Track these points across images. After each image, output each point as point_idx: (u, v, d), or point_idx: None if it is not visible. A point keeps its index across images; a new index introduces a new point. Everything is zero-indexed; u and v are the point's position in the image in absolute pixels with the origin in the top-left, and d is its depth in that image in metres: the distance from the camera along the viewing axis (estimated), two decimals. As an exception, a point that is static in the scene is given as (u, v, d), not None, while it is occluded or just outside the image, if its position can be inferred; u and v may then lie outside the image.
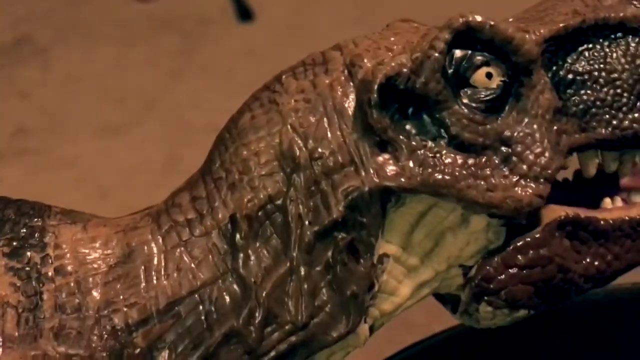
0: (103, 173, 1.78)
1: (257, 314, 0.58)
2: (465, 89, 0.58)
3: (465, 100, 0.58)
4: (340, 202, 0.58)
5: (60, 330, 0.58)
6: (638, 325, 0.73)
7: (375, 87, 0.57)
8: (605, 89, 0.60)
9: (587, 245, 0.60)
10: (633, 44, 0.60)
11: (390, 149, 0.58)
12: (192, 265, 0.59)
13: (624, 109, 0.59)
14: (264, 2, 2.30)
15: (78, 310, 0.58)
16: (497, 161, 0.58)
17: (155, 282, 0.59)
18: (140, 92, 2.04)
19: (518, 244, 0.59)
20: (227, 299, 0.59)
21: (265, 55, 2.08)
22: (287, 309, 0.58)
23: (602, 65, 0.60)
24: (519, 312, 0.60)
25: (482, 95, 0.58)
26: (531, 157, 0.58)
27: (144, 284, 0.59)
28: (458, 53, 0.58)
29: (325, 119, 0.59)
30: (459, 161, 0.58)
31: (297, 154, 0.58)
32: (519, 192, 0.58)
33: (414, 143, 0.58)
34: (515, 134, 0.58)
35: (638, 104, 0.60)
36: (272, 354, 0.59)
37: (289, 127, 0.59)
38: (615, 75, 0.60)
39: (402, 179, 0.57)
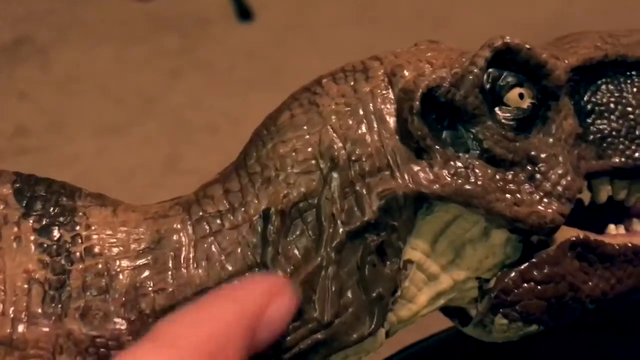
0: (103, 173, 1.78)
1: None
2: (499, 107, 0.60)
3: (498, 117, 0.60)
4: (375, 204, 0.58)
5: (86, 311, 0.58)
6: (637, 326, 0.74)
7: (418, 95, 0.58)
8: (620, 121, 0.63)
9: (594, 267, 0.62)
10: None
11: (425, 157, 0.59)
12: (221, 256, 0.59)
13: (637, 141, 0.63)
14: (264, 2, 2.31)
15: (105, 292, 0.58)
16: (523, 178, 0.60)
17: (183, 270, 0.59)
18: (139, 91, 2.04)
19: (535, 260, 0.61)
20: None
21: (264, 55, 2.09)
22: (313, 306, 0.58)
23: (618, 99, 0.63)
24: (531, 327, 0.61)
25: (514, 114, 0.60)
26: (555, 177, 0.60)
27: (172, 271, 0.59)
28: (494, 72, 0.60)
29: (364, 123, 0.60)
30: (489, 174, 0.59)
31: (336, 154, 0.59)
32: (543, 208, 0.59)
33: (448, 153, 0.59)
34: (541, 154, 0.60)
35: None
36: (295, 350, 0.59)
37: (329, 127, 0.60)
38: (630, 109, 0.63)
39: (437, 187, 0.58)
